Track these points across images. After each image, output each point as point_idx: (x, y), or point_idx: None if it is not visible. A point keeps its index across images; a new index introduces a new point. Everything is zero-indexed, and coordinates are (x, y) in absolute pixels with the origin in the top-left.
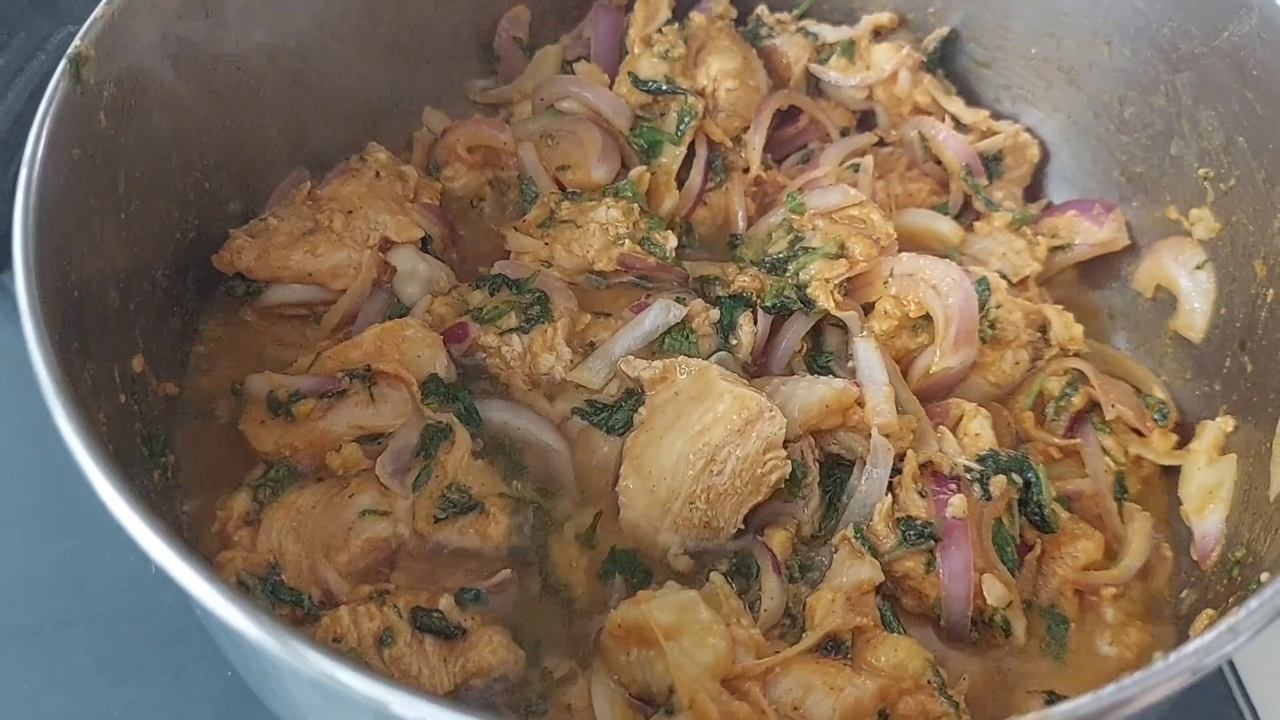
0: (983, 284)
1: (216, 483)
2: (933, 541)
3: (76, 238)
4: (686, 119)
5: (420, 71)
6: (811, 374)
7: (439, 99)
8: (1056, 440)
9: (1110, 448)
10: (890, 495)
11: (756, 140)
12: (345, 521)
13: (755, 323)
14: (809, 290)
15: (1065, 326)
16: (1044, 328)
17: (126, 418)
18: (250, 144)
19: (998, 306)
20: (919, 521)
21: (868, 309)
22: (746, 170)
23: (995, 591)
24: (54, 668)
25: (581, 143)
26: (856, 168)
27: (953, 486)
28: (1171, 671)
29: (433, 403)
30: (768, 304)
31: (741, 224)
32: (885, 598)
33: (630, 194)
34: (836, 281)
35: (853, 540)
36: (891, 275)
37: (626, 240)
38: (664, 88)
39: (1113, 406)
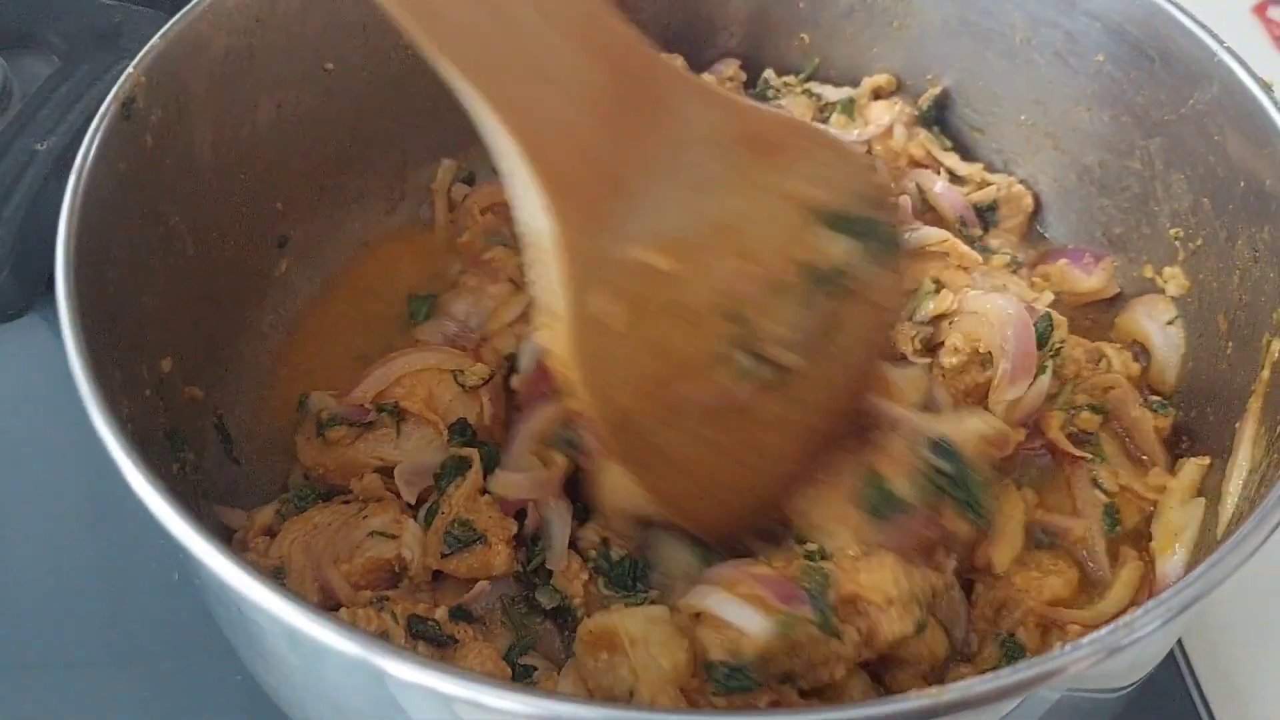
0: (1045, 319)
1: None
2: None
3: (116, 240)
4: None
5: (454, 122)
6: None
7: (467, 151)
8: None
9: (1103, 478)
10: None
11: None
12: (354, 540)
13: None
14: None
15: (1124, 364)
16: (1098, 361)
17: (151, 412)
18: (283, 179)
19: (1061, 342)
20: None
21: (937, 347)
22: None
23: None
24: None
25: None
26: None
27: None
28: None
29: (457, 442)
30: None
31: None
32: None
33: None
34: None
35: None
36: (959, 313)
37: None
38: None
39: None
